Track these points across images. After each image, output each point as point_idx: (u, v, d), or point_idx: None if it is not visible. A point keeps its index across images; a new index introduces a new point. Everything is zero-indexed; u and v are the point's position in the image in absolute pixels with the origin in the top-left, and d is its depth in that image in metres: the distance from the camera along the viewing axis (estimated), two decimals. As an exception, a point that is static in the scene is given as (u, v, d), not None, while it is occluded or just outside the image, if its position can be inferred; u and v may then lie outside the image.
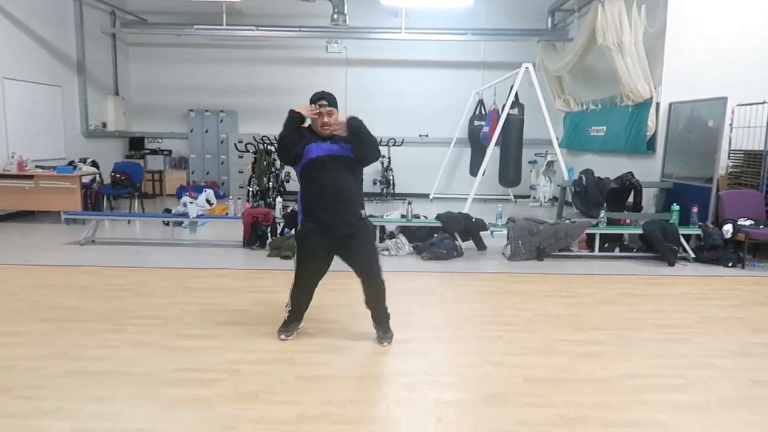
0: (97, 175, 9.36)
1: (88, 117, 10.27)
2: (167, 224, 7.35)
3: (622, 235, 6.73)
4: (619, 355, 3.55)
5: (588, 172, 7.28)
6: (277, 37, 11.29)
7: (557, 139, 11.60)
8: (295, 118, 3.44)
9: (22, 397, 2.85)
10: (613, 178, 7.17)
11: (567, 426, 2.68)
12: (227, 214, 6.85)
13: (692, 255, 6.23)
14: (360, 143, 3.44)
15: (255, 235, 6.51)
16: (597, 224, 6.45)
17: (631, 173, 7.20)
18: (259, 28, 10.68)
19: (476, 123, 10.82)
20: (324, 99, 3.42)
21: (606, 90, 9.05)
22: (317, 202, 3.45)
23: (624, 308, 4.55)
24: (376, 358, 3.52)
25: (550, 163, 11.04)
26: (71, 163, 9.06)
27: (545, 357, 3.50)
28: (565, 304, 4.63)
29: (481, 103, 10.96)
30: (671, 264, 6.06)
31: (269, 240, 6.52)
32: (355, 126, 3.42)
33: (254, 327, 3.93)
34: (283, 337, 3.70)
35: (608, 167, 8.17)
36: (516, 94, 8.05)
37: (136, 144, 11.88)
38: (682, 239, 6.24)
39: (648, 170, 7.63)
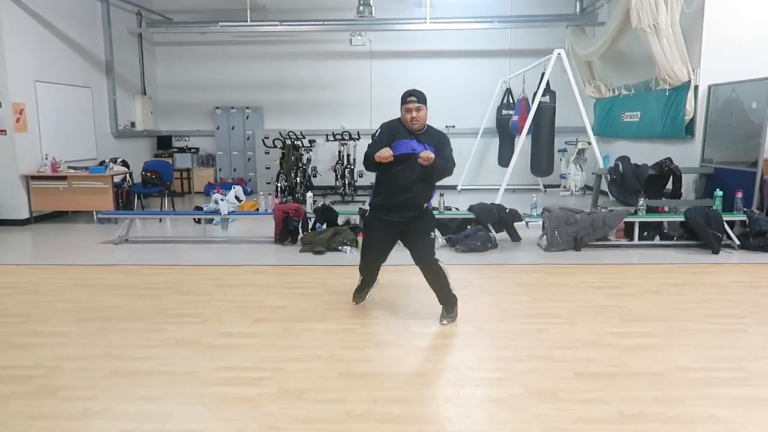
0: (128, 175, 9.45)
1: (118, 117, 10.37)
2: (198, 222, 7.36)
3: (661, 222, 6.53)
4: (672, 347, 3.42)
5: (624, 159, 7.08)
6: (300, 31, 11.26)
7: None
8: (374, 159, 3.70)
9: (70, 399, 2.84)
10: (651, 165, 6.97)
11: (625, 423, 2.57)
12: (258, 210, 6.83)
13: (737, 242, 6.02)
14: (432, 173, 3.74)
15: (286, 231, 6.48)
16: (636, 212, 6.27)
17: (669, 159, 6.99)
18: (283, 23, 10.65)
19: (504, 112, 10.65)
20: (413, 96, 3.70)
21: (639, 74, 8.80)
22: (388, 192, 3.81)
23: (671, 298, 4.40)
24: (419, 353, 3.44)
25: (581, 151, 10.82)
26: (102, 163, 9.17)
27: (594, 350, 3.39)
28: (609, 295, 4.50)
29: (509, 91, 10.78)
30: (716, 252, 5.86)
31: (301, 235, 6.49)
32: (433, 167, 3.67)
33: (293, 323, 3.89)
34: (355, 302, 4.27)
35: (643, 153, 7.95)
36: (547, 81, 7.86)
37: (164, 143, 11.99)
38: (726, 226, 6.03)
39: (686, 155, 7.40)
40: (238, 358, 3.33)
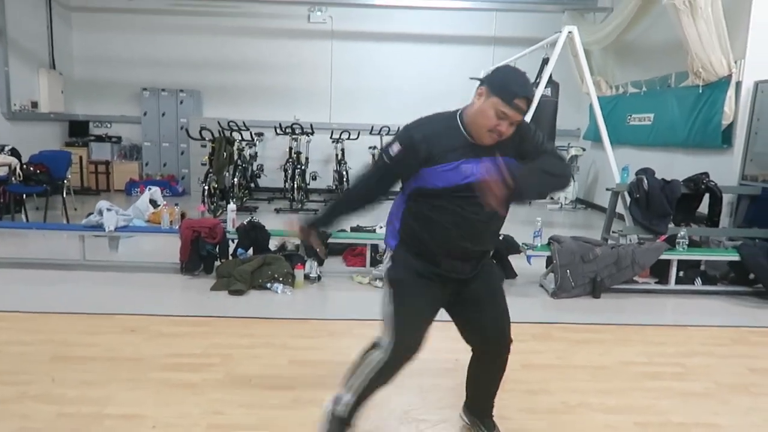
0: (17, 167, 7.45)
1: (11, 94, 8.31)
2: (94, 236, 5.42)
3: (700, 260, 4.96)
4: None
5: (648, 173, 5.49)
6: (249, 1, 9.36)
7: (580, 129, 9.92)
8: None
9: None
10: (683, 181, 5.41)
11: None
12: (161, 225, 4.97)
13: (806, 292, 4.48)
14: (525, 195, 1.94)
15: (197, 257, 4.66)
16: (677, 245, 4.66)
17: (706, 174, 5.44)
18: (227, -10, 8.76)
19: (487, 109, 9.00)
20: (527, 96, 1.90)
21: (654, 68, 7.27)
22: (440, 243, 2.05)
23: (776, 406, 2.76)
24: None
25: (574, 158, 9.28)
26: (-21, 151, 7.15)
27: None
28: (679, 396, 2.83)
29: (493, 85, 9.13)
30: (782, 305, 4.32)
31: (218, 263, 4.68)
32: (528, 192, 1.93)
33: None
34: None
35: (656, 165, 6.33)
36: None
37: (78, 129, 9.91)
38: (793, 270, 4.48)
39: (719, 170, 5.84)
40: None
